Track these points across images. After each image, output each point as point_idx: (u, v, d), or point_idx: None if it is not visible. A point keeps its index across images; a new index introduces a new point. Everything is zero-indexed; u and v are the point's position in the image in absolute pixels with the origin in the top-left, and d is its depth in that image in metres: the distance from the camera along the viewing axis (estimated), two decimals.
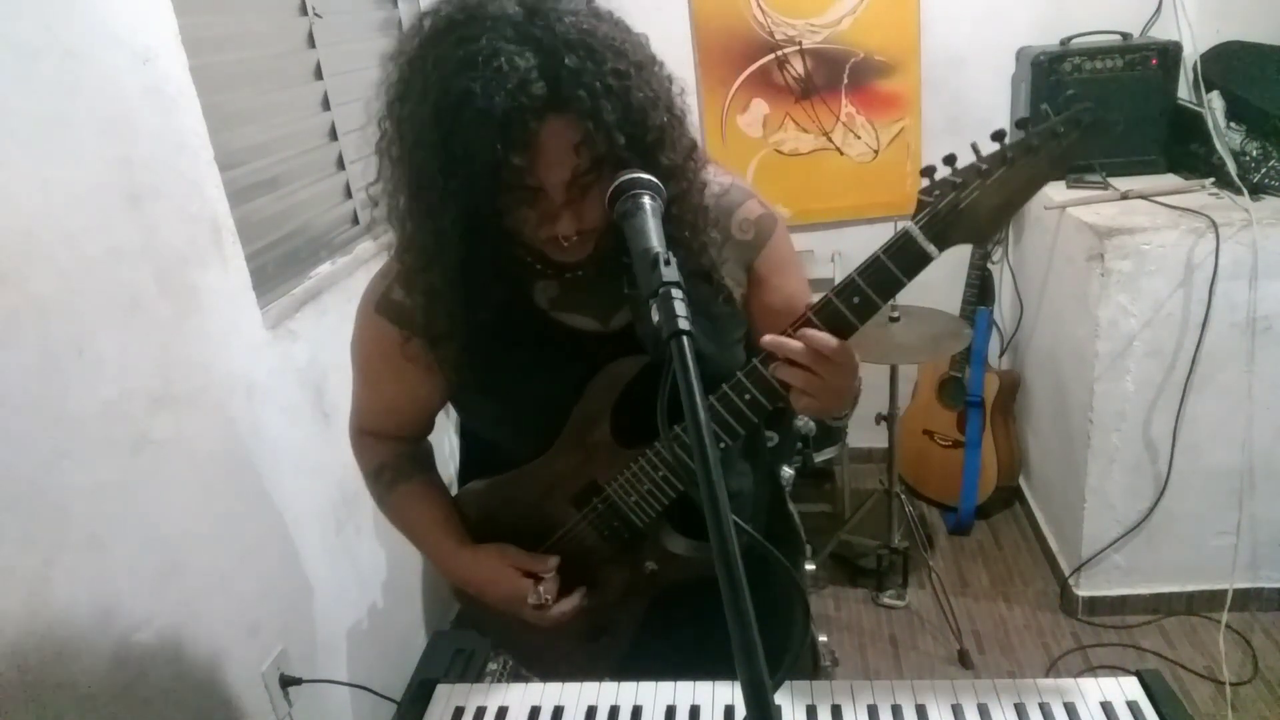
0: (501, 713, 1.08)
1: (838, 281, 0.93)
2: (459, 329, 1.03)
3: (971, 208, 0.88)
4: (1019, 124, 0.87)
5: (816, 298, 0.96)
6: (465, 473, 1.27)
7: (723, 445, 1.00)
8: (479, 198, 0.88)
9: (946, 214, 0.88)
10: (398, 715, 1.11)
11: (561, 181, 0.88)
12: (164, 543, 1.42)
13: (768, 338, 0.93)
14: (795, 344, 0.91)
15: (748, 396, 0.97)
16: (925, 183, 0.90)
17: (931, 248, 0.89)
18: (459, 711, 1.09)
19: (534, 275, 1.06)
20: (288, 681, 1.71)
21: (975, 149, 0.88)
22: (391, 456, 1.23)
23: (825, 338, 0.91)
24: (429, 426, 1.27)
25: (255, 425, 1.67)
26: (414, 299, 1.04)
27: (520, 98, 0.80)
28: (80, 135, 1.29)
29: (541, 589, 1.08)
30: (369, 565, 2.13)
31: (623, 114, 0.86)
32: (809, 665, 1.38)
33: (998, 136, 0.88)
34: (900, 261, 0.90)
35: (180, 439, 1.46)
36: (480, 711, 1.08)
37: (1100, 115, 0.84)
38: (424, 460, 1.27)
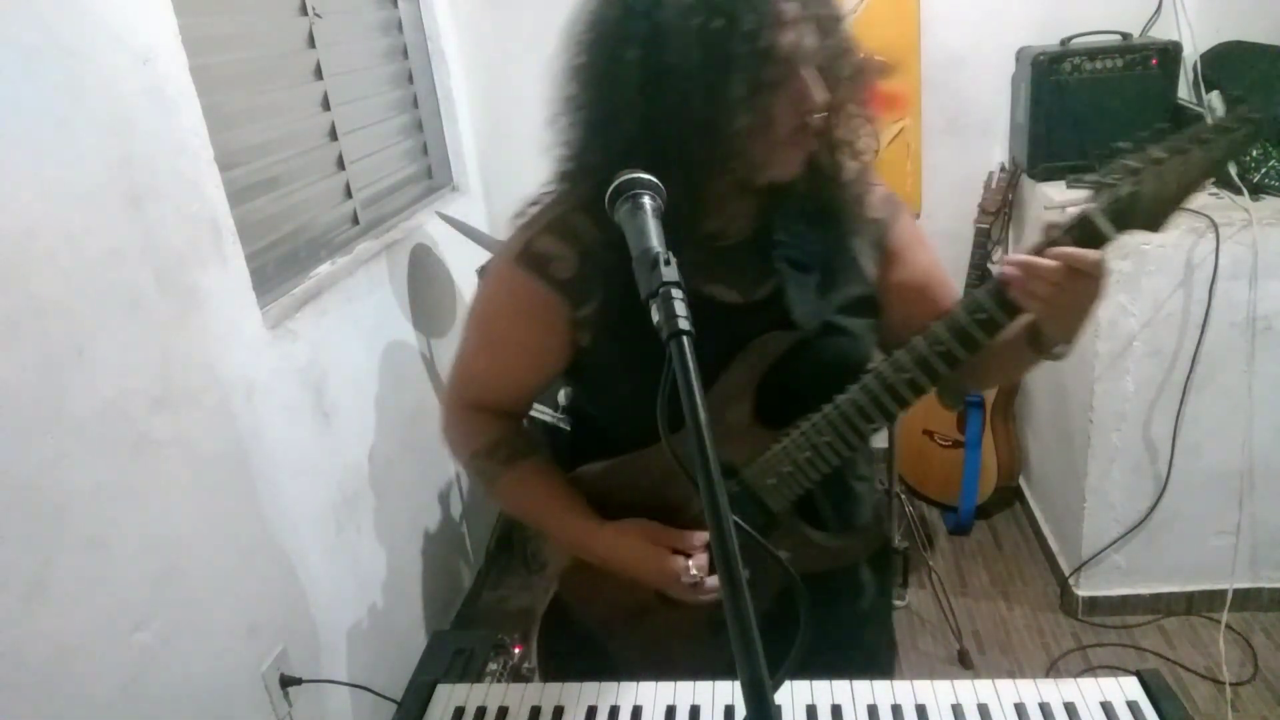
0: (501, 713, 1.08)
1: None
2: (605, 279, 1.00)
3: (1147, 193, 0.90)
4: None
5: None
6: (572, 459, 1.20)
7: (873, 427, 1.01)
8: (744, 77, 0.89)
9: (1127, 198, 0.90)
10: (398, 715, 1.11)
11: (814, 46, 0.92)
12: (164, 543, 1.42)
13: (1014, 257, 0.92)
14: (1049, 262, 0.89)
15: (906, 376, 0.98)
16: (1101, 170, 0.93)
17: (1109, 226, 0.91)
18: (459, 711, 1.09)
19: (680, 243, 1.04)
20: (288, 681, 1.71)
21: (1140, 142, 0.91)
22: (506, 432, 1.17)
23: (1086, 251, 0.89)
24: (530, 405, 1.23)
25: (255, 425, 1.67)
26: (565, 247, 1.03)
27: None
28: (80, 135, 1.29)
29: (694, 564, 1.03)
30: (369, 565, 2.13)
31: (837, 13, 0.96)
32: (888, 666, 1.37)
33: (1102, 160, 0.92)
34: (1080, 244, 0.91)
35: (180, 439, 1.46)
36: (480, 711, 1.08)
37: (1270, 114, 0.88)
38: (536, 439, 1.22)
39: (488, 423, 1.17)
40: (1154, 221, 0.92)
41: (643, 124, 0.93)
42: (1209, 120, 2.28)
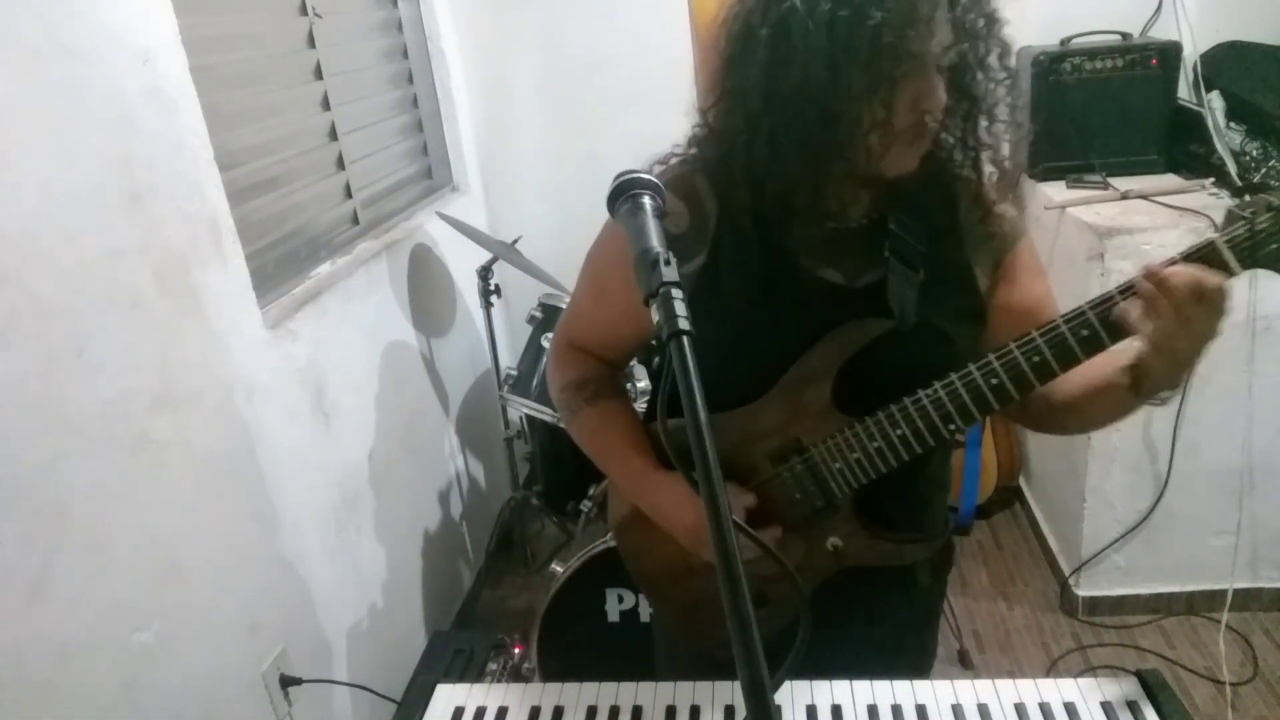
0: (501, 713, 1.08)
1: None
2: (712, 241, 1.04)
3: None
4: None
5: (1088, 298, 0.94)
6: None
7: (952, 428, 1.00)
8: (876, 66, 0.90)
9: (1263, 234, 0.87)
10: (398, 715, 1.11)
11: (941, 47, 0.92)
12: (164, 543, 1.42)
13: (1149, 266, 0.88)
14: (1179, 280, 0.86)
15: (994, 382, 0.96)
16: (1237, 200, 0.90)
17: (1234, 261, 0.87)
18: (459, 711, 1.09)
19: (792, 219, 1.04)
20: (288, 681, 1.71)
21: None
22: (596, 372, 1.21)
23: (1212, 275, 0.86)
24: (630, 357, 1.28)
25: (255, 425, 1.67)
26: (680, 203, 1.05)
27: None
28: (80, 135, 1.29)
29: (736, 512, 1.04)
30: (369, 565, 2.13)
31: (987, 12, 0.95)
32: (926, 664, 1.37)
33: (1241, 193, 0.90)
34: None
35: (180, 439, 1.46)
36: (480, 711, 1.08)
37: None
38: (622, 387, 1.25)
39: (582, 361, 1.21)
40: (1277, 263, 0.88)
41: (766, 102, 0.96)
42: (1210, 128, 2.28)
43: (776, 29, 0.93)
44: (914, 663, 1.28)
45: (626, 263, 1.09)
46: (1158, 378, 0.94)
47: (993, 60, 0.97)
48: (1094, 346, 0.93)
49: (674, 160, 1.10)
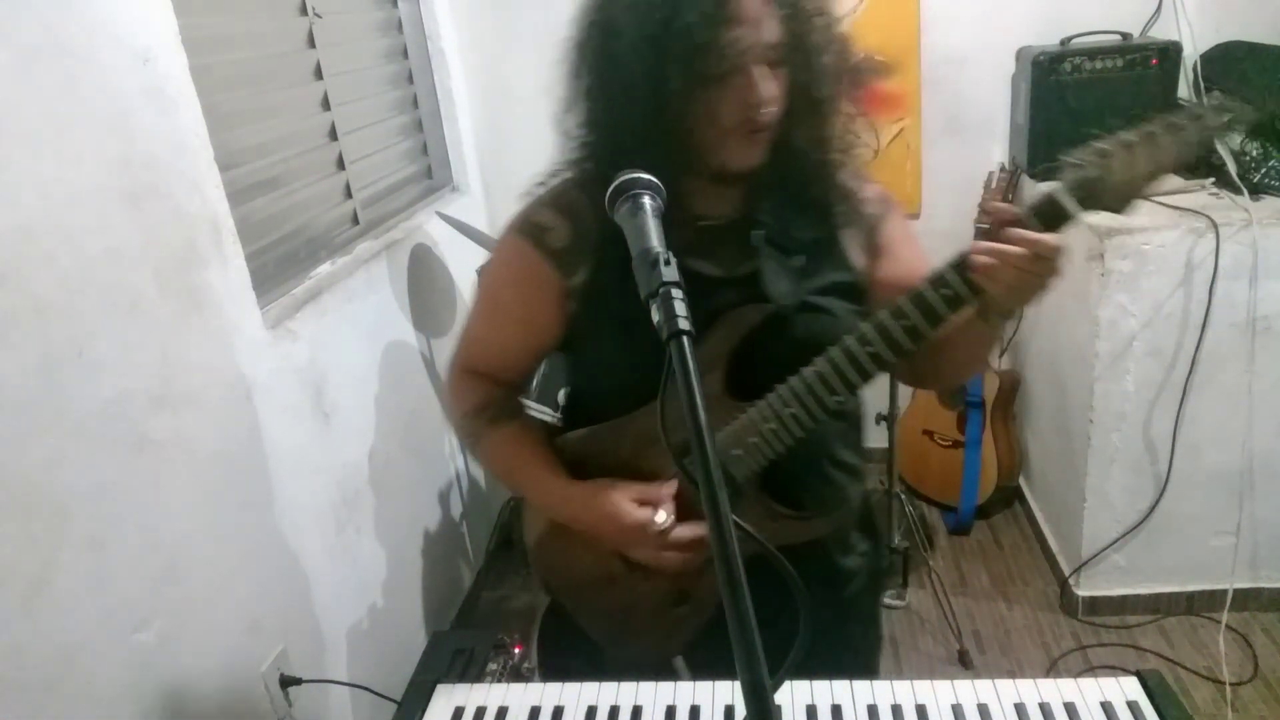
0: (501, 713, 1.08)
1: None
2: (594, 253, 1.07)
3: (1115, 174, 0.93)
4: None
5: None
6: (569, 428, 1.26)
7: (837, 399, 1.03)
8: (686, 69, 0.94)
9: (1094, 178, 0.94)
10: (398, 715, 1.11)
11: (762, 43, 0.95)
12: (164, 543, 1.42)
13: (980, 244, 0.95)
14: (1015, 249, 0.93)
15: (871, 349, 1.00)
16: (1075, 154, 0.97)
17: (1074, 204, 0.94)
18: (459, 711, 1.09)
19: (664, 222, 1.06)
20: (288, 681, 1.71)
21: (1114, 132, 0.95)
22: (494, 397, 1.23)
23: (1046, 235, 0.93)
24: (528, 380, 1.30)
25: (255, 425, 1.67)
26: (559, 219, 1.09)
27: None
28: (80, 135, 1.29)
29: (663, 511, 1.07)
30: (369, 565, 2.13)
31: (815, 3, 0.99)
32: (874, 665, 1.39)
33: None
34: (1045, 224, 0.94)
35: (180, 439, 1.46)
36: (480, 711, 1.08)
37: (1247, 108, 0.93)
38: (520, 407, 1.28)
39: (480, 386, 1.23)
40: (1119, 203, 0.95)
41: (604, 110, 1.01)
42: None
43: (603, 37, 0.98)
44: (853, 654, 1.30)
45: (511, 275, 1.16)
46: (1003, 310, 1.02)
47: (826, 49, 1.01)
48: (957, 303, 0.99)
49: (554, 177, 1.13)
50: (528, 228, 1.13)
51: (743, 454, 1.07)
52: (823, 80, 1.02)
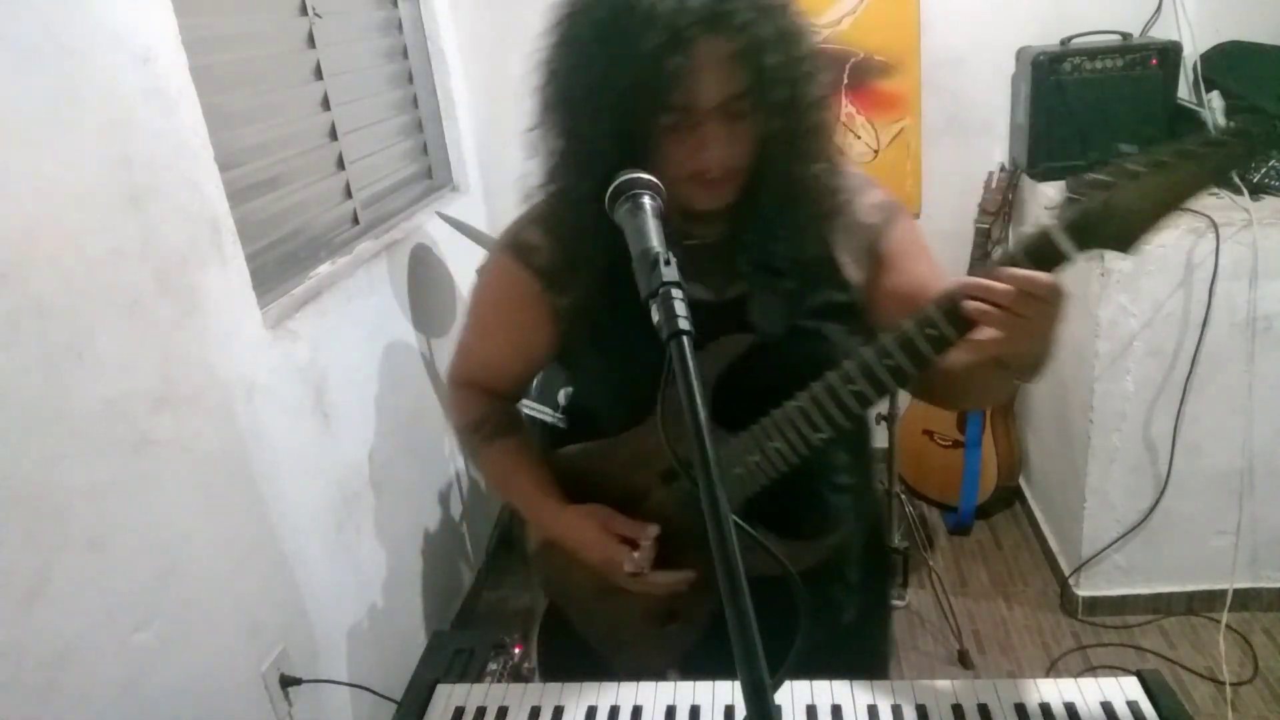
0: (501, 713, 1.08)
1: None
2: (582, 274, 1.05)
3: (1118, 209, 0.83)
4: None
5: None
6: (570, 429, 1.27)
7: (821, 436, 0.98)
8: (633, 116, 0.91)
9: (1095, 214, 0.83)
10: (398, 715, 1.11)
11: (714, 102, 0.91)
12: (164, 543, 1.42)
13: (967, 280, 0.87)
14: (1002, 285, 0.84)
15: (855, 389, 0.95)
16: (1073, 181, 0.87)
17: (1070, 245, 0.84)
18: (459, 711, 1.09)
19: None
20: (288, 681, 1.71)
21: (1123, 152, 0.85)
22: (493, 411, 1.23)
23: (1038, 275, 0.83)
24: (525, 388, 1.30)
25: (255, 425, 1.67)
26: (546, 239, 1.08)
27: (683, 7, 0.86)
28: (80, 135, 1.29)
29: (637, 556, 1.07)
30: (369, 565, 2.13)
31: (778, 38, 0.90)
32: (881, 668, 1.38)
33: (1077, 176, 0.86)
34: (1039, 264, 0.85)
35: (180, 439, 1.46)
36: (480, 711, 1.08)
37: (1270, 128, 0.81)
38: (520, 420, 1.29)
39: (477, 399, 1.24)
40: (1124, 241, 0.84)
41: (572, 145, 0.99)
42: (1211, 127, 2.28)
43: (555, 83, 0.97)
44: (861, 664, 1.26)
45: (501, 294, 1.16)
46: (1014, 361, 0.94)
47: (799, 81, 0.95)
48: (943, 345, 0.91)
49: (544, 195, 1.10)
50: (515, 246, 1.12)
51: (727, 484, 1.06)
52: (797, 113, 0.97)
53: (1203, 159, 0.81)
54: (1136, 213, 0.83)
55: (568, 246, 1.05)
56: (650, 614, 1.19)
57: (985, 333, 0.87)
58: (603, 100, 0.92)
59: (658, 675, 1.21)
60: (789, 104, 0.94)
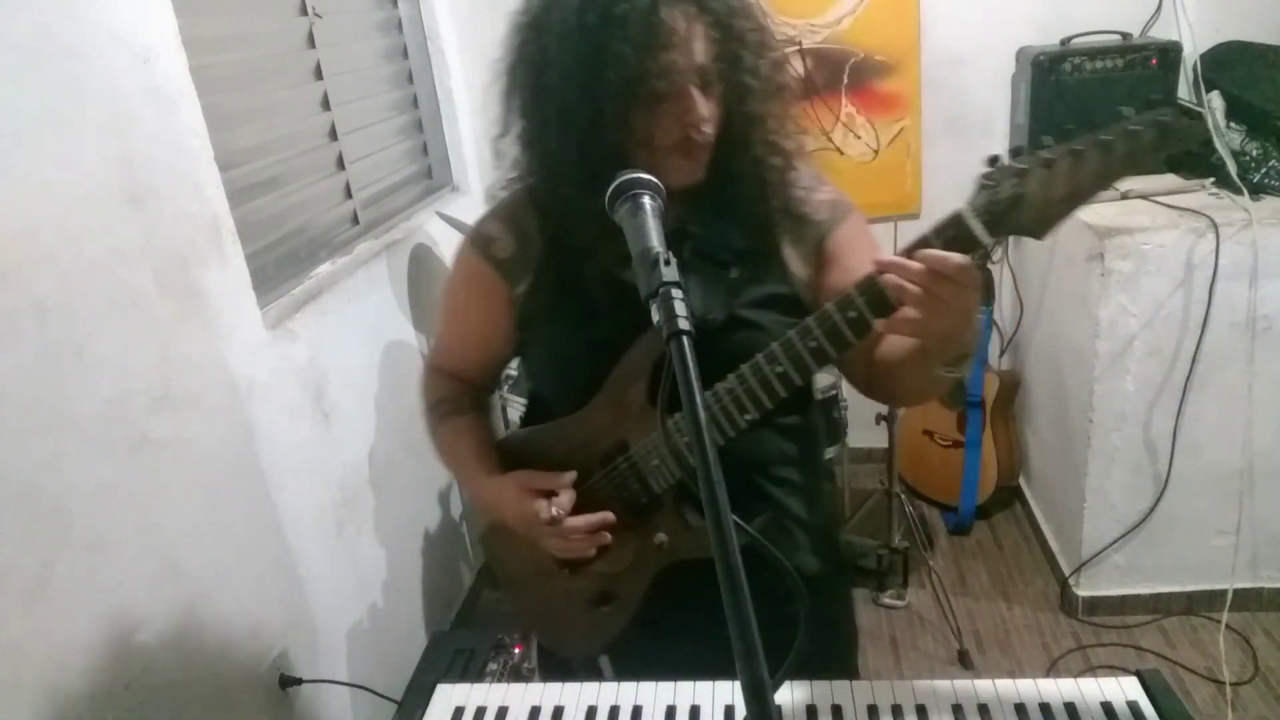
0: (501, 713, 1.08)
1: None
2: (537, 263, 1.11)
3: (1031, 196, 0.84)
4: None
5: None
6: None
7: (748, 417, 1.02)
8: (614, 91, 0.95)
9: (1006, 200, 0.85)
10: (398, 715, 1.11)
11: (692, 64, 0.97)
12: (164, 543, 1.42)
13: (883, 258, 0.90)
14: (914, 264, 0.86)
15: (779, 369, 0.98)
16: (988, 169, 0.88)
17: (982, 229, 0.86)
18: (459, 711, 1.09)
19: (600, 233, 1.04)
20: (288, 681, 1.71)
21: (1040, 142, 0.85)
22: (452, 393, 1.29)
23: (950, 255, 0.85)
24: (493, 376, 1.35)
25: (255, 425, 1.67)
26: (504, 230, 1.15)
27: None
28: (80, 135, 1.29)
29: (552, 504, 1.08)
30: (369, 565, 2.13)
31: (744, 11, 1.00)
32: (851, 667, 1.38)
33: (993, 161, 0.88)
34: (951, 248, 0.87)
35: (180, 439, 1.46)
36: (480, 711, 1.08)
37: (1181, 120, 0.82)
38: (480, 403, 1.32)
39: (443, 383, 1.30)
40: (1037, 228, 0.86)
41: (540, 133, 1.04)
42: (1211, 128, 2.28)
43: (531, 68, 1.01)
44: (820, 650, 1.27)
45: (463, 283, 1.23)
46: (932, 348, 0.96)
47: (760, 66, 1.02)
48: (863, 327, 0.94)
49: (506, 188, 1.17)
50: (476, 238, 1.19)
51: (660, 464, 1.09)
52: (757, 96, 1.03)
53: (1114, 148, 0.82)
54: (1049, 200, 0.84)
55: (532, 233, 1.11)
56: (586, 595, 1.21)
57: (904, 313, 0.89)
58: (589, 82, 0.95)
59: (590, 663, 1.25)
60: (753, 78, 1.01)
